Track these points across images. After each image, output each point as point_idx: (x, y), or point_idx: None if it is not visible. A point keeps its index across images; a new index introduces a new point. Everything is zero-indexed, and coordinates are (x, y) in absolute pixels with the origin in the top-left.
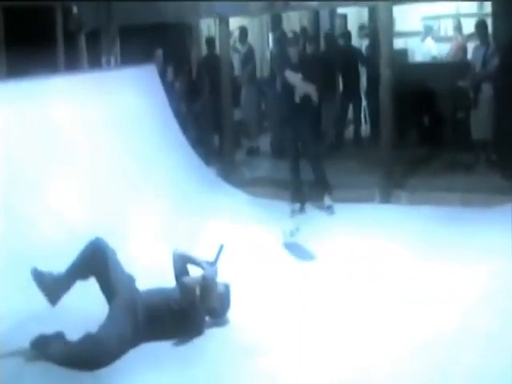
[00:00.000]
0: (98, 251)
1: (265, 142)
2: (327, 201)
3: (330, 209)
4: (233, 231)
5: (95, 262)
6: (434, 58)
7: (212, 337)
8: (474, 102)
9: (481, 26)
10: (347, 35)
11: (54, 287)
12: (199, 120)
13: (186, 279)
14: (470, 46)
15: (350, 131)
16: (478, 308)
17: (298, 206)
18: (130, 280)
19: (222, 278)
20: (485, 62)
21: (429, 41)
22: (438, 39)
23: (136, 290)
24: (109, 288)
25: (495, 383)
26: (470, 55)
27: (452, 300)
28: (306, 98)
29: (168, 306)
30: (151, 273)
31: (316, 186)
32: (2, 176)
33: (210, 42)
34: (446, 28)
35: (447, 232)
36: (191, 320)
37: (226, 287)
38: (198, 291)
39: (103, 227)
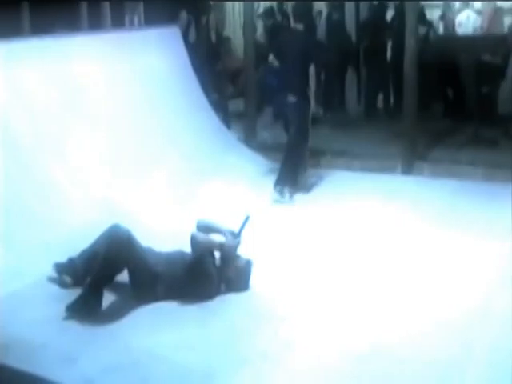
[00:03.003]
0: (127, 247)
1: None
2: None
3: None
4: (253, 197)
5: (127, 256)
6: (471, 29)
7: (229, 301)
8: (501, 76)
9: None
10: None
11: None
12: (221, 83)
13: (200, 236)
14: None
15: (373, 101)
16: (499, 284)
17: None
18: (151, 254)
19: (243, 248)
20: None
21: (466, 12)
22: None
23: (156, 258)
24: (136, 271)
25: None
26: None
27: (473, 276)
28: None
29: (184, 266)
30: (172, 237)
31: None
32: (24, 135)
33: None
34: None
35: (469, 206)
36: (203, 283)
37: (248, 263)
38: (216, 256)
39: (125, 189)
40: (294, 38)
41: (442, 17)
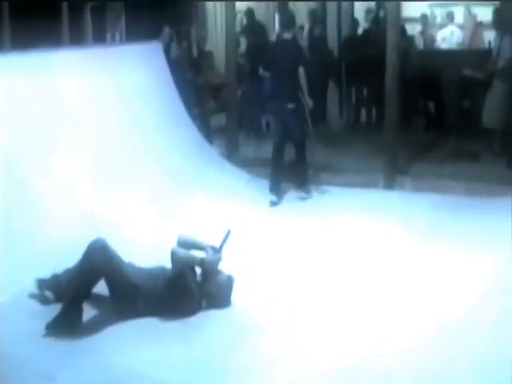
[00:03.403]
0: (101, 255)
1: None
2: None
3: (308, 193)
4: (235, 212)
5: (102, 264)
6: (455, 44)
7: (211, 316)
8: (483, 90)
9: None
10: (355, 22)
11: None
12: (203, 98)
13: (180, 251)
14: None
15: (355, 116)
16: (481, 298)
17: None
18: (131, 268)
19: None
20: (499, 52)
21: (450, 27)
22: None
23: (136, 272)
24: (114, 283)
25: (500, 375)
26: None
27: (455, 289)
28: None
29: (164, 282)
30: (153, 252)
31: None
32: (7, 149)
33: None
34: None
35: (451, 220)
36: (184, 298)
37: (229, 278)
38: (197, 272)
39: (108, 203)
40: (286, 47)
41: (423, 32)
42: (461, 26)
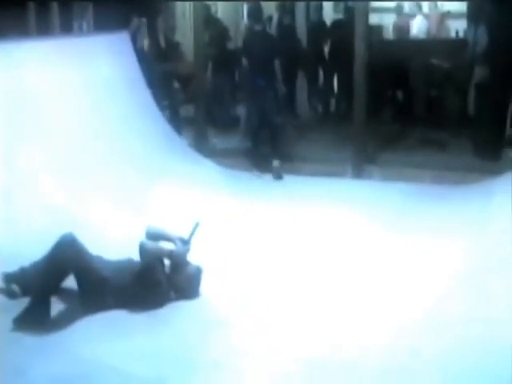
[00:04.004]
0: (70, 250)
1: (237, 113)
2: (275, 163)
3: (278, 173)
4: (204, 203)
5: (70, 259)
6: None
7: (180, 308)
8: (450, 79)
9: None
10: (319, 9)
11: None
12: (172, 89)
13: (149, 244)
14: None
15: (323, 105)
16: (450, 287)
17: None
18: (99, 261)
19: (193, 254)
20: (475, 42)
21: (418, 18)
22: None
23: (104, 265)
24: (82, 277)
25: (470, 367)
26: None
27: (424, 278)
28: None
29: (133, 274)
30: (122, 244)
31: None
32: None
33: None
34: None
35: (419, 209)
36: (152, 290)
37: (198, 269)
38: (166, 264)
39: (74, 196)
40: (258, 38)
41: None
42: (427, 16)
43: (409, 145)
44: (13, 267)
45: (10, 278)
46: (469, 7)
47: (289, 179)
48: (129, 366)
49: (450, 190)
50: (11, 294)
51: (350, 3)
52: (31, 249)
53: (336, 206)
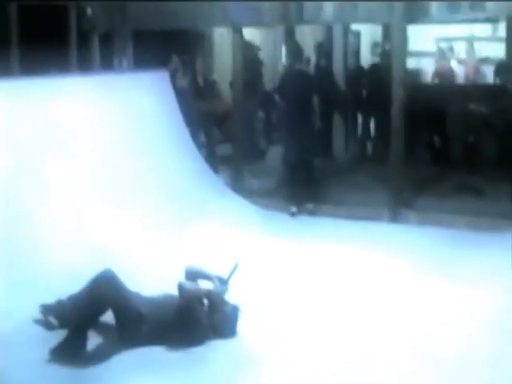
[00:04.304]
0: (109, 286)
1: (274, 153)
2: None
3: (294, 215)
4: (241, 242)
5: (109, 295)
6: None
7: (216, 347)
8: (487, 125)
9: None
10: (357, 51)
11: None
12: (209, 128)
13: (187, 284)
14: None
15: (360, 148)
16: (481, 332)
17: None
18: (138, 297)
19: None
20: None
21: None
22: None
23: (142, 301)
24: (120, 312)
25: None
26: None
27: (455, 323)
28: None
29: (171, 311)
30: (159, 281)
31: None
32: (12, 175)
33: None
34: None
35: (454, 254)
36: (191, 328)
37: (235, 309)
38: (205, 303)
39: (113, 231)
40: (297, 77)
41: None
42: (463, 61)
43: (445, 190)
44: (48, 300)
45: (47, 309)
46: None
47: (324, 221)
48: None
49: (486, 236)
50: (48, 326)
51: (387, 48)
52: (66, 281)
53: (371, 249)
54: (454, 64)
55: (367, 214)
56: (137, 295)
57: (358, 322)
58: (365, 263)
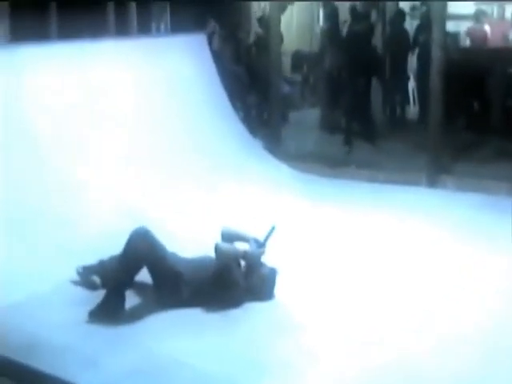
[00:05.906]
0: (143, 243)
1: (312, 116)
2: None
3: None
4: (278, 205)
5: (143, 252)
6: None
7: (253, 309)
8: None
9: None
10: (401, 15)
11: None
12: (247, 92)
13: (223, 245)
14: None
15: (399, 112)
16: None
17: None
18: (174, 257)
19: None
20: None
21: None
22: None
23: (179, 261)
24: (156, 271)
25: None
26: None
27: (490, 291)
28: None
29: (208, 273)
30: (196, 243)
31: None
32: (49, 136)
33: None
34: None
35: (493, 221)
36: (228, 290)
37: (273, 271)
38: (241, 265)
39: (149, 194)
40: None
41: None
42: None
43: (485, 155)
44: (87, 261)
45: (90, 269)
46: None
47: (363, 185)
48: (199, 363)
49: None
50: (91, 286)
51: (426, 10)
52: (106, 244)
53: (408, 214)
54: (494, 26)
55: (405, 179)
56: (173, 255)
57: (394, 286)
58: (402, 228)
